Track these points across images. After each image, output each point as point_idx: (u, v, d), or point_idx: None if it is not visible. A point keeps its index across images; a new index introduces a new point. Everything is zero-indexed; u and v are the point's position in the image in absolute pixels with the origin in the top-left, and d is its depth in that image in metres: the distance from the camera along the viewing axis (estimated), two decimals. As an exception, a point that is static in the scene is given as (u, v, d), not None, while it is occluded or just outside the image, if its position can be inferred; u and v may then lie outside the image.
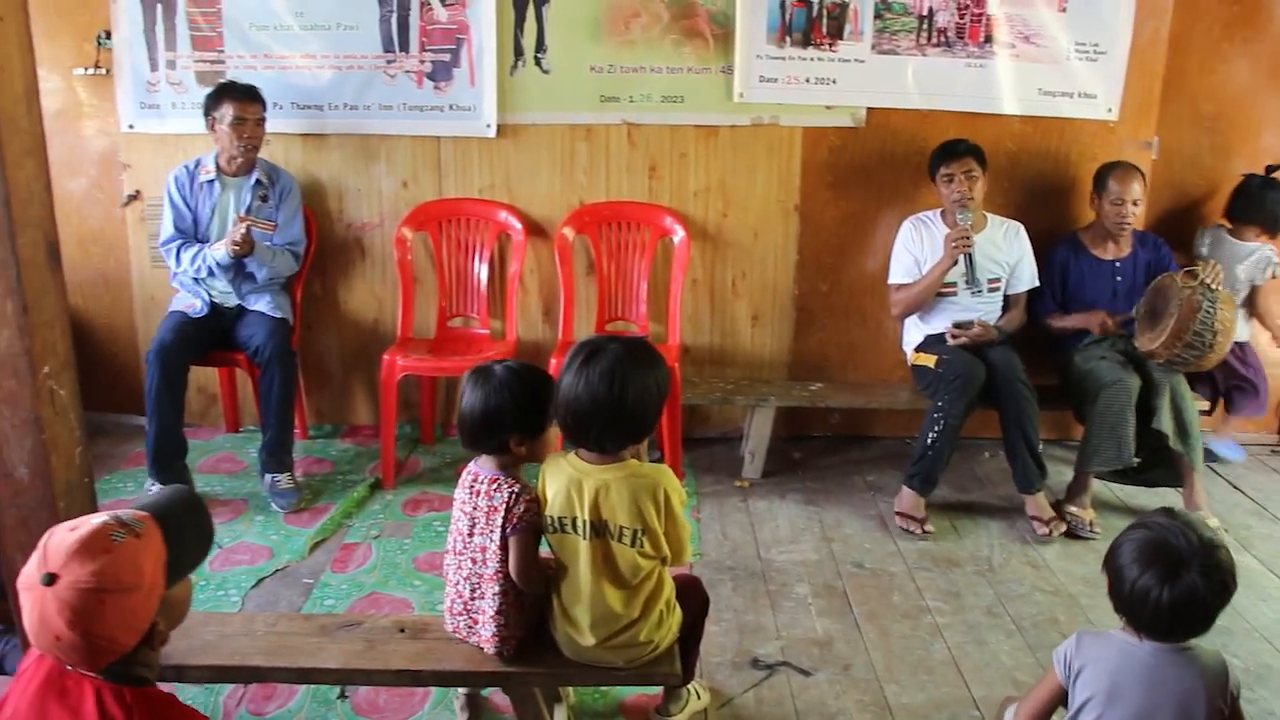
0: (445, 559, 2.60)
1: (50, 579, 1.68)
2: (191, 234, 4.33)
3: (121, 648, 1.74)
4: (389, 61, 4.50)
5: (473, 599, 2.51)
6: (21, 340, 1.99)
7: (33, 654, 1.88)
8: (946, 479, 4.25)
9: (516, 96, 4.49)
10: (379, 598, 3.56)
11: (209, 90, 4.26)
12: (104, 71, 4.62)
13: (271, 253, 4.27)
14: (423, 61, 4.49)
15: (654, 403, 2.35)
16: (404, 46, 4.49)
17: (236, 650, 2.60)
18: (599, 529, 2.35)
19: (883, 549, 3.90)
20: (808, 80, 4.47)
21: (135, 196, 4.72)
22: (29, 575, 1.72)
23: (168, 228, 4.32)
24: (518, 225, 4.53)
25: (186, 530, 1.89)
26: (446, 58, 4.47)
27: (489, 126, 4.50)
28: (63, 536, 1.73)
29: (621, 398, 2.28)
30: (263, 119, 4.26)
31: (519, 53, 4.45)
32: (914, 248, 4.32)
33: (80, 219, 4.73)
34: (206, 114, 4.24)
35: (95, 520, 1.76)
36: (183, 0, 4.51)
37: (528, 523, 2.42)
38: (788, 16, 4.40)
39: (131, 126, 4.66)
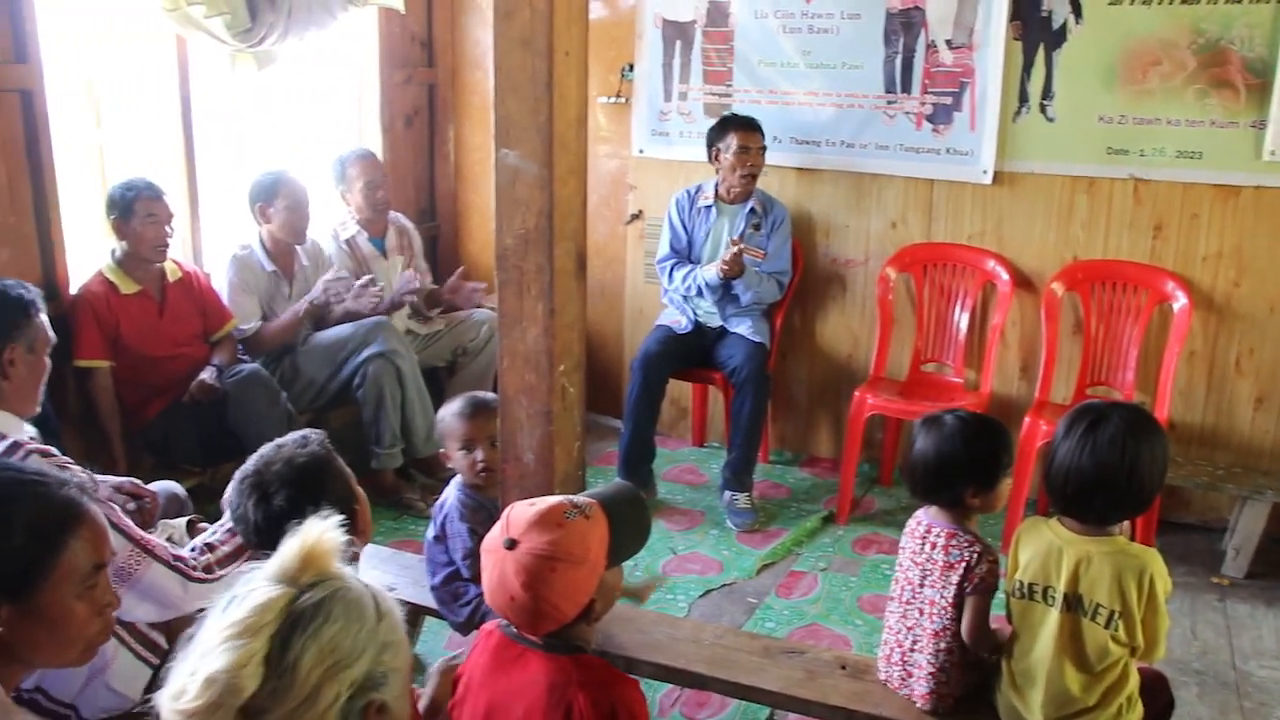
0: (888, 605, 2.57)
1: (511, 544, 1.87)
2: (685, 255, 4.59)
3: (563, 616, 1.89)
4: (889, 102, 4.53)
5: (911, 650, 2.47)
6: (546, 339, 2.20)
7: (482, 632, 2.08)
8: None
9: (1017, 144, 4.35)
10: (819, 629, 3.58)
11: (713, 122, 4.50)
12: (623, 100, 5.03)
13: (759, 278, 4.42)
14: (923, 103, 4.47)
15: (1159, 475, 2.20)
16: (906, 88, 4.49)
17: (683, 654, 2.71)
18: (1073, 603, 2.22)
19: (1395, 689, 3.38)
20: (1363, 137, 3.95)
21: (638, 216, 5.09)
22: (493, 539, 1.93)
23: (664, 247, 4.63)
24: (1005, 276, 4.38)
25: (628, 522, 2.01)
26: (948, 101, 4.43)
27: (985, 173, 4.40)
28: (523, 509, 1.92)
29: (1132, 468, 2.15)
30: (764, 148, 4.44)
31: (1024, 99, 4.31)
32: None
33: (588, 232, 5.15)
34: (710, 145, 4.48)
35: (551, 499, 1.94)
36: (699, 37, 4.80)
37: (988, 584, 2.34)
38: (1345, 63, 3.91)
39: (641, 151, 5.04)
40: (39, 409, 2.52)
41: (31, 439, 2.43)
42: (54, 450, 2.31)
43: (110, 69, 4.21)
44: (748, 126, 4.42)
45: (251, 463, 2.26)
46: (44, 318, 2.48)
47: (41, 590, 1.62)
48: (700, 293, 4.48)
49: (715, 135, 4.47)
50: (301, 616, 1.32)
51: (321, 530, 1.39)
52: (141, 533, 2.27)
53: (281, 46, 4.16)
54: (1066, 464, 2.21)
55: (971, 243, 4.50)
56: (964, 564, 2.36)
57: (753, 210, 4.50)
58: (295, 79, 4.81)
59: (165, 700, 1.29)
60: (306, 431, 2.32)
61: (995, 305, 4.44)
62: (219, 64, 4.16)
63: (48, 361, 2.50)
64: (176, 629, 2.27)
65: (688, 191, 4.63)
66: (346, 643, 1.33)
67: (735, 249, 4.29)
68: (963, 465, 2.37)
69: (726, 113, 4.60)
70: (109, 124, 4.25)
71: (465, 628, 2.89)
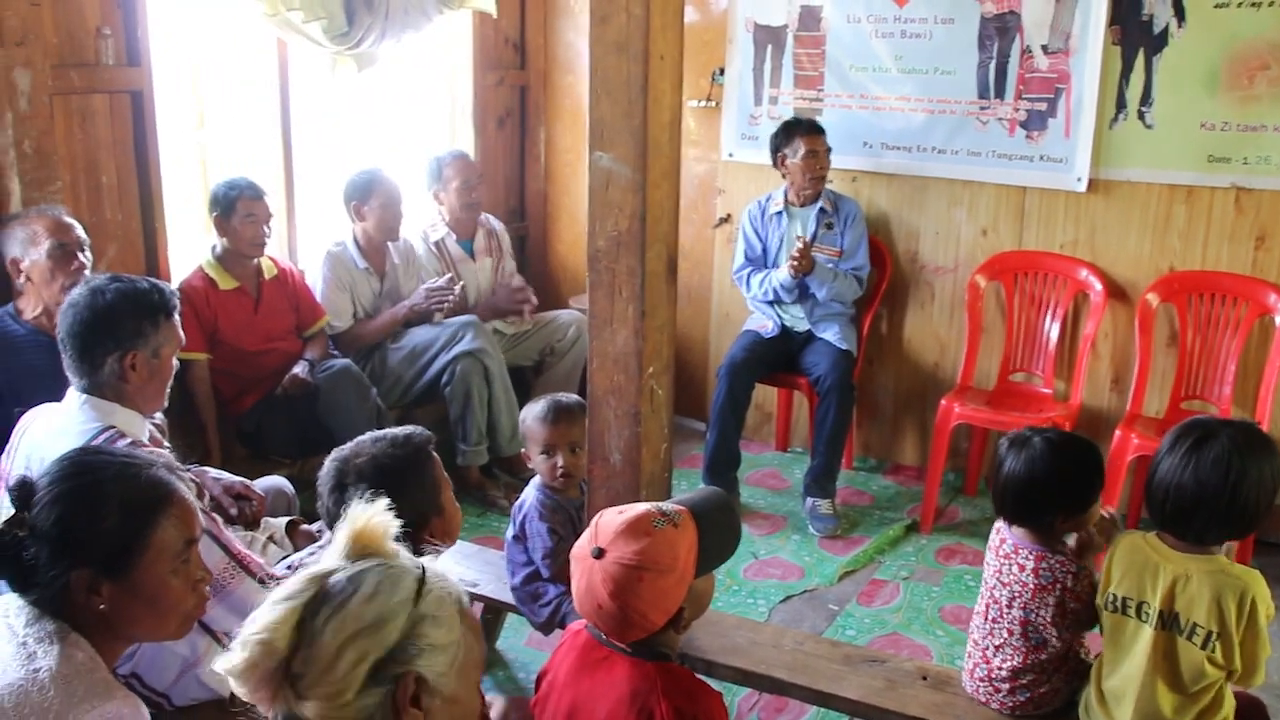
0: (973, 621, 2.54)
1: (599, 553, 1.88)
2: (761, 263, 4.61)
3: (651, 625, 1.90)
4: (982, 108, 4.47)
5: (1000, 668, 2.44)
6: (635, 341, 2.22)
7: (569, 630, 2.10)
8: None
9: (1113, 151, 4.26)
10: (899, 639, 3.56)
11: (774, 129, 4.52)
12: (713, 104, 5.04)
13: (832, 273, 4.40)
14: (1017, 109, 4.41)
15: (1267, 497, 2.13)
16: (999, 93, 4.43)
17: (763, 659, 2.71)
18: (1168, 620, 2.17)
19: None
20: None
21: (726, 219, 5.09)
22: (581, 548, 1.94)
23: (739, 257, 4.67)
24: (1097, 285, 4.29)
25: (718, 529, 2.01)
26: (1043, 107, 4.35)
27: (1079, 180, 4.31)
28: (611, 518, 1.93)
29: (1235, 489, 2.09)
30: (829, 150, 4.44)
31: (1121, 105, 4.22)
32: None
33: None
34: (775, 151, 4.49)
35: (640, 507, 1.95)
36: (791, 41, 4.78)
37: (1090, 596, 2.32)
38: None
39: (731, 155, 5.04)
40: (165, 404, 2.56)
41: (156, 425, 2.51)
42: (165, 453, 2.36)
43: (214, 71, 4.33)
44: (812, 130, 4.42)
45: (346, 448, 2.30)
46: (176, 319, 2.48)
47: (138, 567, 1.69)
48: (778, 297, 4.50)
49: (780, 141, 4.47)
50: (333, 587, 1.37)
51: (369, 513, 1.43)
52: (240, 548, 2.33)
53: (379, 49, 4.24)
54: (1168, 480, 2.16)
55: (1064, 251, 4.42)
56: (1059, 585, 2.33)
57: (823, 210, 4.50)
58: (390, 81, 4.90)
59: (219, 666, 1.36)
60: (412, 430, 2.34)
61: (1087, 315, 4.36)
62: (319, 66, 4.26)
63: (175, 362, 2.51)
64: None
65: (758, 201, 4.65)
66: (369, 612, 1.34)
67: (800, 244, 4.29)
68: (1055, 493, 2.33)
69: (789, 118, 4.59)
70: (211, 124, 4.38)
71: (546, 628, 2.92)
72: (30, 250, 3.06)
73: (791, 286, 4.43)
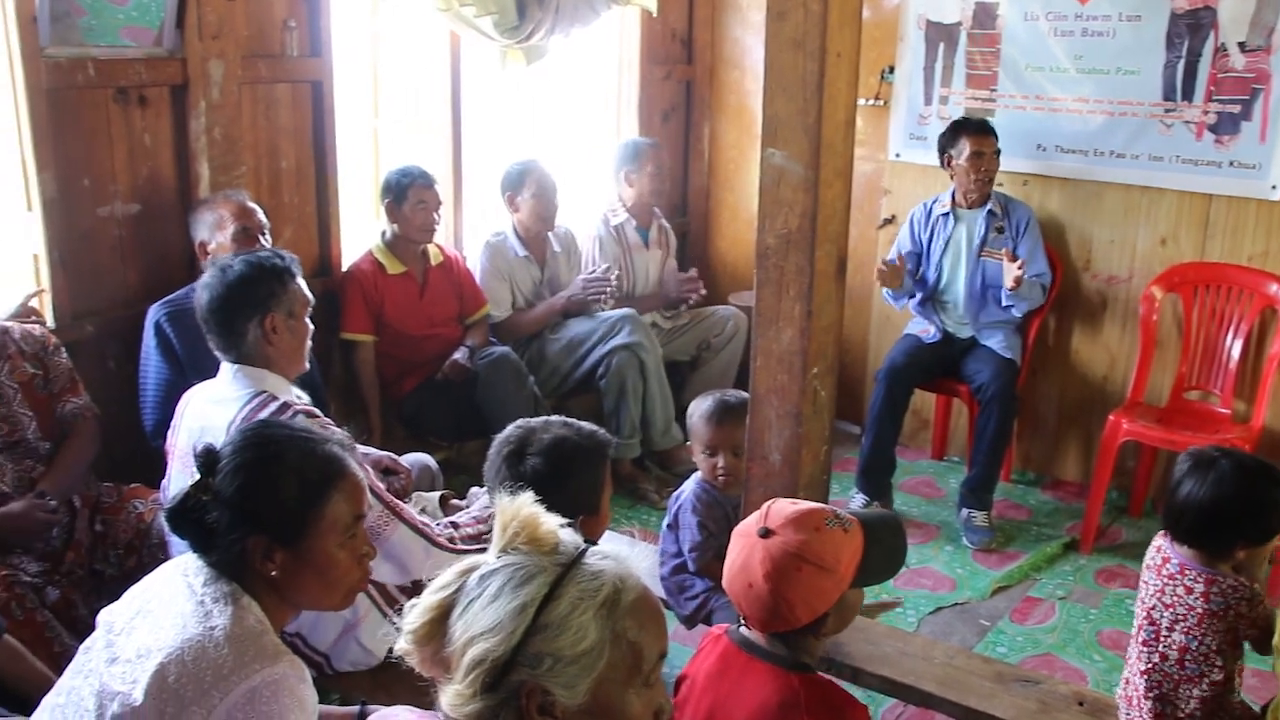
0: (1130, 647, 2.43)
1: (766, 533, 1.87)
2: (914, 267, 4.51)
3: (795, 619, 1.86)
4: (1167, 110, 4.27)
5: (1159, 698, 2.32)
6: (801, 341, 2.19)
7: (709, 635, 2.08)
8: None
9: (1313, 158, 4.03)
10: (1053, 660, 3.45)
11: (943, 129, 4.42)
12: (882, 103, 4.95)
13: (1029, 286, 4.26)
14: (1206, 112, 4.19)
15: None
16: (1187, 95, 4.22)
17: (912, 670, 2.67)
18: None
19: None
20: None
21: (890, 220, 5.00)
22: (747, 525, 1.94)
23: (890, 253, 4.58)
24: (1287, 301, 4.08)
25: (885, 548, 1.99)
26: (1236, 109, 4.13)
27: (1275, 188, 4.07)
28: (784, 504, 1.93)
29: None
30: (998, 151, 4.30)
31: (1326, 108, 3.99)
32: None
33: (838, 236, 5.11)
34: (942, 151, 4.38)
35: (815, 504, 1.94)
36: (964, 39, 4.66)
37: (1265, 627, 2.19)
38: None
39: (898, 155, 4.94)
40: (308, 366, 2.68)
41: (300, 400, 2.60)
42: (318, 412, 2.46)
43: (390, 62, 4.46)
44: (981, 130, 4.29)
45: (534, 420, 2.36)
46: (300, 281, 2.61)
47: (310, 538, 1.75)
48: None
49: (947, 141, 4.36)
50: (469, 584, 1.38)
51: (519, 503, 1.42)
52: (392, 497, 2.40)
53: (549, 42, 4.30)
54: None
55: (1252, 264, 4.19)
56: (1232, 611, 2.21)
57: (991, 213, 4.36)
58: (559, 74, 4.96)
59: (397, 647, 1.43)
60: (599, 429, 2.38)
61: (1275, 333, 4.13)
62: (490, 60, 4.33)
63: (309, 323, 2.64)
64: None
65: (924, 204, 4.55)
66: (487, 616, 1.33)
67: (1017, 271, 4.10)
68: (1240, 519, 2.21)
69: (958, 118, 4.47)
70: (385, 113, 4.50)
71: (690, 621, 2.92)
72: (216, 234, 3.22)
73: (894, 298, 4.45)
